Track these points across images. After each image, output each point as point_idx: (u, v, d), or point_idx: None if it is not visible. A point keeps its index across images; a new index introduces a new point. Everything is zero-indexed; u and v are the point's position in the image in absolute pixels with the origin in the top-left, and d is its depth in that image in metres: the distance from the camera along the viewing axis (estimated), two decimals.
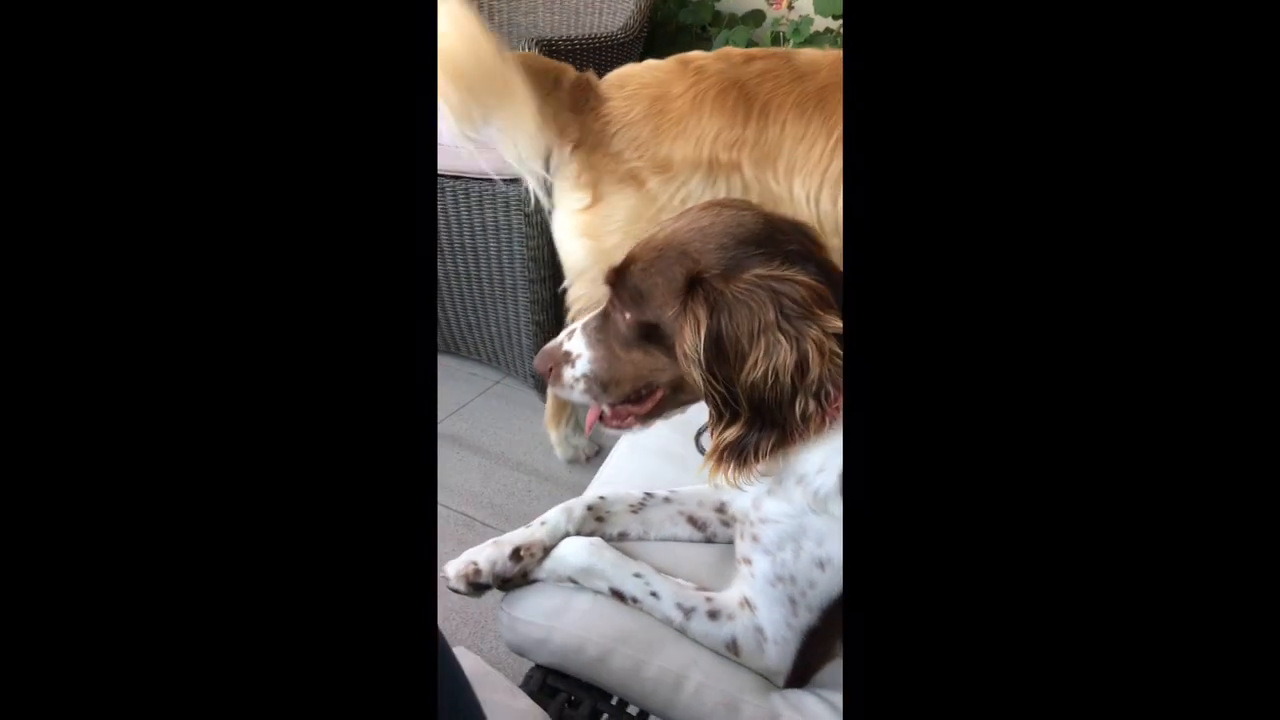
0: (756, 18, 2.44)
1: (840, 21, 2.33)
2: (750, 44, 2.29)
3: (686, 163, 1.36)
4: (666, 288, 0.68)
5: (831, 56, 1.43)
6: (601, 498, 0.88)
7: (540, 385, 1.84)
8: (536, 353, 0.82)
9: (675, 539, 0.89)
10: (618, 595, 0.79)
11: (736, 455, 0.67)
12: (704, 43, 2.42)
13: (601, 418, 0.80)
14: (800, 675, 0.77)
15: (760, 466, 0.68)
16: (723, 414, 0.68)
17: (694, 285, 0.67)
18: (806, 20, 2.31)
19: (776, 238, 0.67)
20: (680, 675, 0.75)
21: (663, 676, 0.75)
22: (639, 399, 0.78)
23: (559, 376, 0.78)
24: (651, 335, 0.72)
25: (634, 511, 0.88)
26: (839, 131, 1.34)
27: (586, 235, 1.41)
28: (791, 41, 2.29)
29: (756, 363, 0.63)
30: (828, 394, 0.64)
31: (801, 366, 0.63)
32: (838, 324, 0.63)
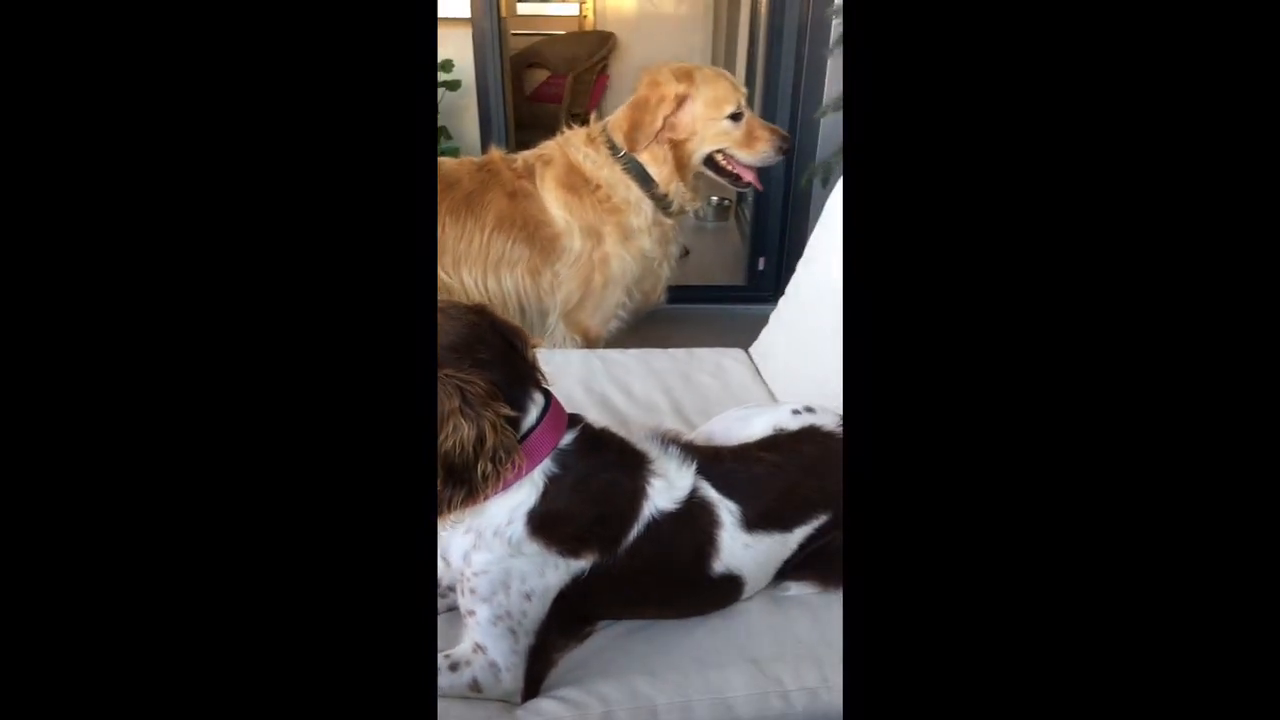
0: None
1: None
2: None
3: None
4: None
5: (466, 165, 1.80)
6: None
7: None
8: None
9: None
10: None
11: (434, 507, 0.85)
12: None
13: None
14: (532, 688, 0.95)
15: (453, 516, 0.88)
16: None
17: None
18: None
19: (473, 346, 0.87)
20: None
21: None
22: None
23: None
24: None
25: None
26: (489, 226, 1.74)
27: None
28: None
29: (447, 437, 0.82)
30: (500, 459, 0.85)
31: (480, 439, 0.83)
32: (508, 410, 0.86)
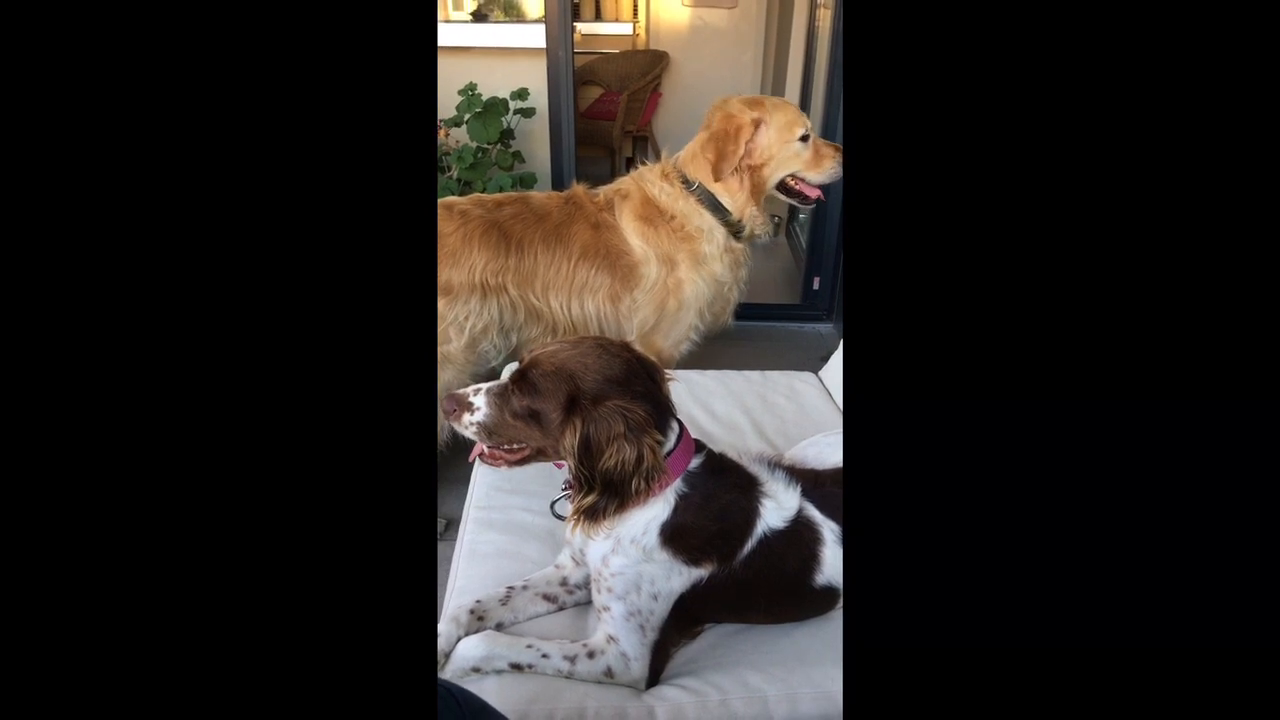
0: None
1: (494, 144, 2.72)
2: None
3: (464, 287, 1.78)
4: (554, 395, 1.00)
5: (556, 199, 1.95)
6: (478, 601, 1.12)
7: None
8: None
9: (537, 615, 1.16)
10: (516, 667, 1.04)
11: (591, 515, 1.01)
12: None
13: (482, 454, 1.10)
14: (653, 677, 1.10)
15: (606, 523, 1.02)
16: (583, 487, 1.01)
17: (574, 402, 0.99)
18: (467, 148, 2.66)
19: (631, 379, 1.02)
20: (581, 708, 1.03)
21: (570, 715, 1.02)
22: (511, 451, 1.09)
23: (459, 416, 1.07)
24: (534, 416, 1.03)
25: (503, 604, 1.14)
26: (575, 255, 1.88)
27: None
28: (457, 168, 2.62)
29: (611, 456, 0.97)
30: (652, 477, 1.00)
31: (639, 459, 0.98)
32: (660, 436, 1.00)
